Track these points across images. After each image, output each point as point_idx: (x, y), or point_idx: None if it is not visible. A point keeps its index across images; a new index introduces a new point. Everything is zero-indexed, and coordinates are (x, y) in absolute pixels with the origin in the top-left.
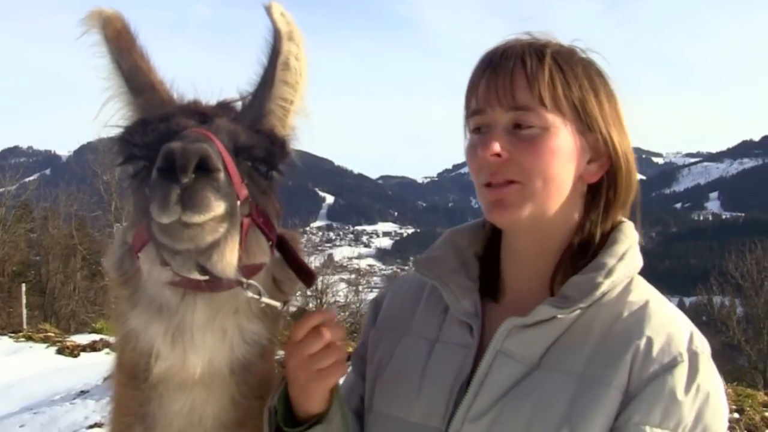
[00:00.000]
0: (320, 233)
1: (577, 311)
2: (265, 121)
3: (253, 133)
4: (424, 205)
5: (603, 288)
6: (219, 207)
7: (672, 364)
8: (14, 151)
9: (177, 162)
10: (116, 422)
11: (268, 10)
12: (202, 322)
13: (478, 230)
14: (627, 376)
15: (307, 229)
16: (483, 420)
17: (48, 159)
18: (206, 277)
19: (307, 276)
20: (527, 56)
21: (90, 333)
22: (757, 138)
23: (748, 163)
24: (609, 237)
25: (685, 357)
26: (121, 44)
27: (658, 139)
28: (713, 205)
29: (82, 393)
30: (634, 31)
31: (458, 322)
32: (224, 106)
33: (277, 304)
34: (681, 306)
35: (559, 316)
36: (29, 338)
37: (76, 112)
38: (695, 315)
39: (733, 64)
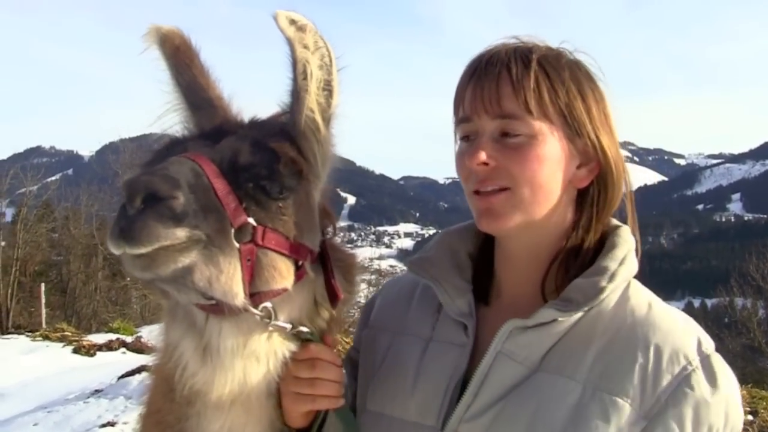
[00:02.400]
0: (342, 234)
1: (579, 314)
2: (294, 136)
3: (257, 152)
4: (446, 205)
5: (607, 292)
6: (171, 235)
7: (685, 374)
8: (36, 151)
9: (126, 194)
10: None
11: (275, 19)
12: (231, 346)
13: (471, 231)
14: (639, 391)
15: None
16: (481, 419)
17: (70, 159)
18: (212, 301)
19: (332, 297)
20: (512, 63)
21: (107, 332)
22: None
23: None
24: (607, 241)
25: (697, 363)
26: (178, 60)
27: (680, 141)
28: (735, 206)
29: (96, 392)
30: (656, 31)
31: (453, 321)
32: (254, 124)
33: (287, 326)
34: (702, 307)
35: (560, 319)
36: (46, 337)
37: (98, 112)
38: (716, 317)
39: (755, 64)
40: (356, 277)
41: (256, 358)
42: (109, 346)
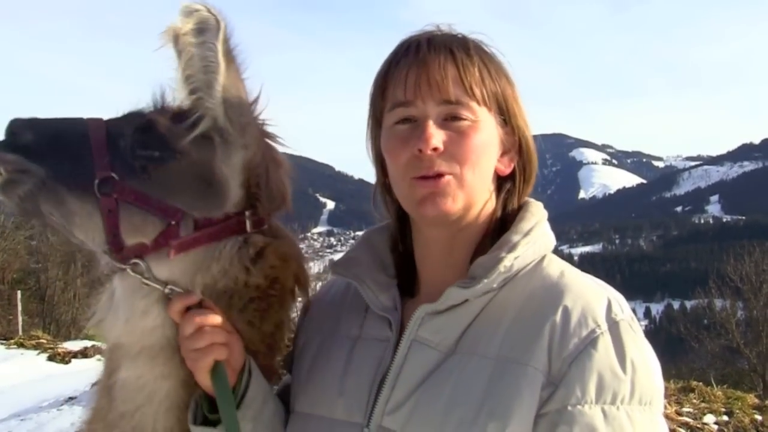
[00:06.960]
0: (321, 239)
1: (490, 293)
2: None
3: (141, 124)
4: None
5: (505, 262)
6: (4, 158)
7: (592, 337)
8: None
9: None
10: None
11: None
12: (120, 296)
13: (390, 227)
14: (546, 356)
15: (308, 234)
16: (401, 411)
17: None
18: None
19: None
20: (455, 49)
21: (82, 339)
22: (757, 141)
23: (749, 166)
24: (517, 216)
25: (604, 327)
26: None
27: (659, 143)
28: (714, 208)
29: (70, 399)
30: (640, 35)
31: (378, 318)
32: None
33: (159, 287)
34: (682, 309)
35: (470, 298)
36: (21, 345)
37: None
38: (696, 318)
39: (734, 67)
40: (270, 258)
41: (142, 311)
42: (84, 353)
